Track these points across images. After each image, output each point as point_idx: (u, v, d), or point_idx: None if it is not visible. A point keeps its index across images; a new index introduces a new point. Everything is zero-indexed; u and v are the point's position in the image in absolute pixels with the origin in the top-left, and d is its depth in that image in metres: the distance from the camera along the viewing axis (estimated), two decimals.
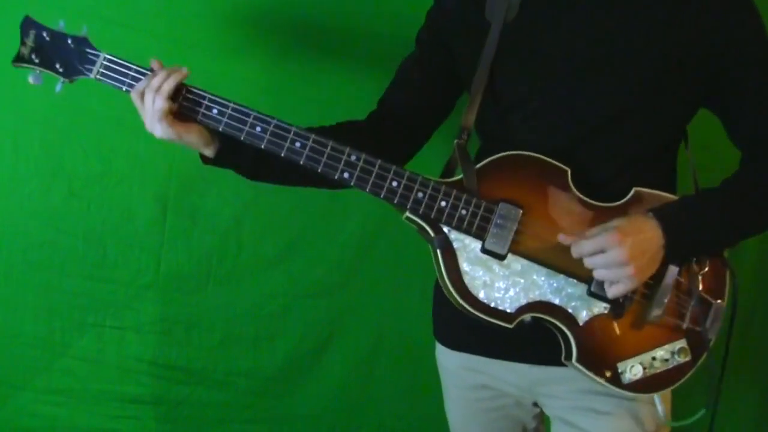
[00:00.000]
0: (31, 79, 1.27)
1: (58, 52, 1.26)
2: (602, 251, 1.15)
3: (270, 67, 1.86)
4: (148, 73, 1.23)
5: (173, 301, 1.92)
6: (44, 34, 1.26)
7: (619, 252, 1.14)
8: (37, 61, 1.26)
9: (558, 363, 1.28)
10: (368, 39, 1.87)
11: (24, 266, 1.86)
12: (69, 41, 1.26)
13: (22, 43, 1.26)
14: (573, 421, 1.34)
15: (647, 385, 1.25)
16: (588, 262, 1.18)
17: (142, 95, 1.22)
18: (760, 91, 1.23)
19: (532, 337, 1.27)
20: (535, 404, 1.42)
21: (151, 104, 1.21)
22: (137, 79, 1.23)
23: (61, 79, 1.27)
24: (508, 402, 1.42)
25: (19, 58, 1.27)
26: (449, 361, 1.46)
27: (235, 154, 1.29)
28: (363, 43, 1.88)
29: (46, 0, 1.72)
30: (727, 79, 1.22)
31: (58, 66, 1.26)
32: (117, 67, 1.24)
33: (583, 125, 1.24)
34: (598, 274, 1.18)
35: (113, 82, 1.24)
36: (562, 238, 1.19)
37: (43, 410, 1.92)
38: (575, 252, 1.18)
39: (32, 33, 1.26)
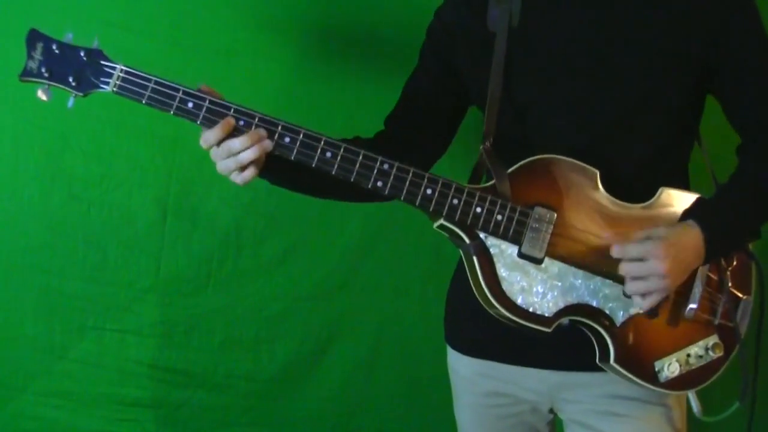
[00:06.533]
0: (40, 94, 1.18)
1: (69, 65, 1.17)
2: (643, 259, 1.16)
3: (270, 68, 1.86)
4: (171, 84, 1.17)
5: (173, 304, 1.92)
6: (53, 47, 1.18)
7: (660, 264, 1.15)
8: (47, 75, 1.17)
9: (582, 368, 1.29)
10: (369, 40, 1.87)
11: (24, 269, 1.86)
12: (81, 53, 1.17)
13: (29, 56, 1.17)
14: (591, 424, 1.34)
15: (684, 382, 1.26)
16: (625, 269, 1.18)
17: (217, 144, 1.17)
18: (758, 79, 1.26)
19: (556, 342, 1.27)
20: (551, 410, 1.41)
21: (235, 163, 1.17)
22: (158, 91, 1.17)
23: (74, 93, 1.19)
24: (524, 409, 1.41)
25: (27, 73, 1.18)
26: (464, 367, 1.45)
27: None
28: (363, 43, 1.88)
29: (45, 2, 1.73)
30: (726, 68, 1.25)
31: (71, 80, 1.18)
32: (136, 79, 1.17)
33: (598, 122, 1.26)
34: (632, 287, 1.18)
35: (132, 95, 1.17)
36: (608, 237, 1.20)
37: (42, 413, 1.91)
38: (618, 252, 1.18)
39: (40, 46, 1.17)
